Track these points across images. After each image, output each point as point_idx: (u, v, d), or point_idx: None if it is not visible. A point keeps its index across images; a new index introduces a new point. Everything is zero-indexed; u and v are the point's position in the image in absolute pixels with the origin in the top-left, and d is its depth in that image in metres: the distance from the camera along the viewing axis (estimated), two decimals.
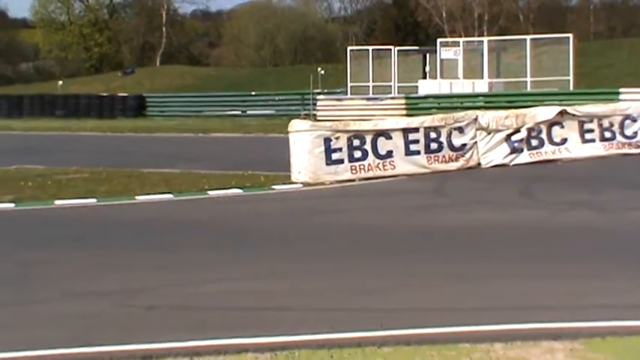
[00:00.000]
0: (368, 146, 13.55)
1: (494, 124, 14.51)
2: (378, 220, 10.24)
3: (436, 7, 58.86)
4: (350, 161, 13.44)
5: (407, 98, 29.28)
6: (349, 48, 36.80)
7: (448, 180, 13.23)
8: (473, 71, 30.43)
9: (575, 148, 14.96)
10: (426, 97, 29.65)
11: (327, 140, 13.34)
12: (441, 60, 30.48)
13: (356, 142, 13.49)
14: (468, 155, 14.31)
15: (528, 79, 29.15)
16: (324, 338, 5.41)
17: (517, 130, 14.61)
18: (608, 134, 15.19)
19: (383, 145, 13.66)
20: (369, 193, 12.64)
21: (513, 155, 14.58)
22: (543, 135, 14.79)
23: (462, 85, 29.75)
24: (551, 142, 14.84)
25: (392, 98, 29.82)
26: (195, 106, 35.89)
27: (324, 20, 70.83)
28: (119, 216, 11.07)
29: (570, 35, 29.82)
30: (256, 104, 34.63)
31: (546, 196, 11.47)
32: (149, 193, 12.27)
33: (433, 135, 14.05)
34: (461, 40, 33.68)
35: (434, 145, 14.04)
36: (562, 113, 14.99)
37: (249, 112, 33.90)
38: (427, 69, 32.59)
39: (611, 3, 61.92)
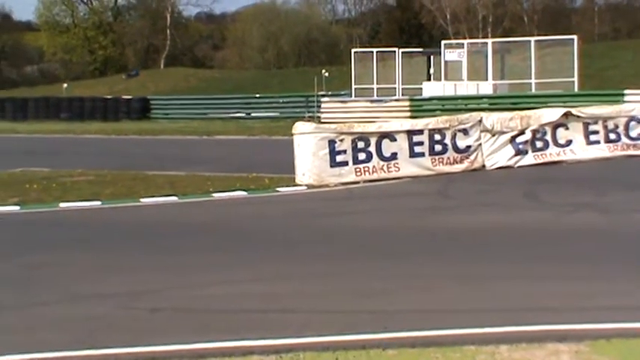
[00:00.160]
0: (372, 148, 13.54)
1: (498, 125, 14.49)
2: (382, 223, 10.24)
3: (440, 9, 58.88)
4: (354, 163, 13.43)
5: (411, 100, 29.28)
6: (353, 50, 36.80)
7: (452, 182, 13.22)
8: (477, 73, 30.44)
9: (580, 150, 14.93)
10: (431, 99, 29.66)
11: (331, 142, 13.34)
12: (445, 62, 30.49)
13: (360, 145, 13.48)
14: (472, 157, 14.29)
15: (533, 80, 29.14)
16: (329, 340, 5.40)
17: (522, 132, 14.59)
18: (613, 136, 15.16)
19: (387, 147, 13.65)
20: (373, 195, 12.63)
21: (518, 157, 14.56)
22: (548, 137, 14.77)
23: (467, 87, 29.74)
24: (556, 143, 14.81)
25: (396, 100, 29.82)
26: (200, 109, 35.92)
27: (328, 22, 70.86)
28: (124, 218, 11.08)
29: (575, 37, 29.81)
30: (260, 107, 34.64)
31: (551, 198, 11.45)
32: (154, 196, 12.28)
33: (437, 137, 14.03)
34: (465, 41, 33.69)
35: (438, 147, 14.02)
36: (567, 115, 14.97)
37: (253, 115, 33.91)
38: (431, 71, 32.61)
39: (615, 4, 61.87)
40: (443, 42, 32.25)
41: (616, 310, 5.97)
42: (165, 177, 14.51)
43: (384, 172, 13.60)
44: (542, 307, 6.11)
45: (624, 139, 15.19)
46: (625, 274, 7.09)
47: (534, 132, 14.66)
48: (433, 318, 5.91)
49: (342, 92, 34.12)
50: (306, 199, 12.43)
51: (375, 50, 34.95)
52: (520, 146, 14.57)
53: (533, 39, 31.01)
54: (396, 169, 13.68)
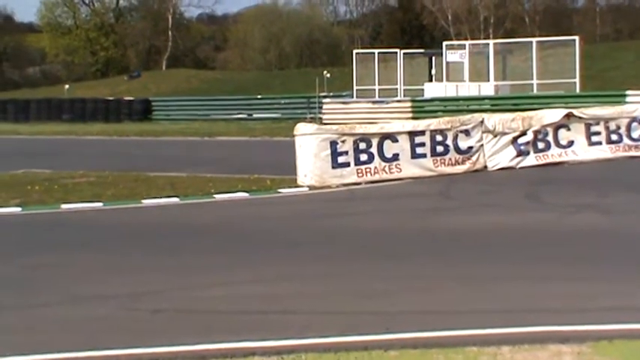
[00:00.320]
0: (374, 149, 13.53)
1: (500, 126, 14.48)
2: (383, 223, 10.23)
3: (442, 10, 58.89)
4: (356, 164, 13.43)
5: (413, 101, 29.29)
6: (355, 51, 36.84)
7: (454, 183, 13.21)
8: (479, 74, 30.44)
9: (582, 151, 14.92)
10: (432, 100, 29.66)
11: (333, 143, 13.33)
12: (447, 63, 30.49)
13: (362, 146, 13.48)
14: (474, 158, 14.28)
15: (534, 81, 29.14)
16: (331, 342, 5.40)
17: (523, 133, 14.58)
18: (614, 137, 15.14)
19: (389, 148, 13.64)
20: (375, 196, 12.62)
21: (520, 158, 14.55)
22: (550, 138, 14.76)
23: (468, 88, 29.74)
24: (558, 144, 14.80)
25: (398, 101, 29.82)
26: (201, 110, 35.93)
27: (329, 23, 70.88)
28: (125, 220, 11.09)
29: (576, 38, 29.81)
30: (262, 108, 34.66)
31: (553, 199, 11.44)
32: (155, 197, 12.28)
33: (439, 138, 14.03)
34: (467, 42, 33.70)
35: (440, 148, 14.02)
36: (568, 116, 14.96)
37: (255, 116, 33.92)
38: (433, 72, 32.61)
39: (617, 5, 61.87)
40: (444, 43, 32.26)
41: (618, 311, 5.96)
42: (166, 178, 14.51)
43: (386, 173, 13.59)
44: (544, 308, 6.10)
45: (626, 140, 15.17)
46: (627, 275, 7.07)
47: (536, 133, 14.65)
48: (435, 319, 5.90)
49: (344, 93, 34.14)
50: (307, 200, 12.42)
51: (376, 51, 34.97)
52: (522, 147, 14.56)
53: (534, 40, 31.00)
54: (398, 170, 13.67)
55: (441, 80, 30.91)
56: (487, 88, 29.49)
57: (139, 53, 69.77)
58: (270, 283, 7.13)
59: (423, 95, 30.65)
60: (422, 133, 13.97)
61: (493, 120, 14.57)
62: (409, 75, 33.13)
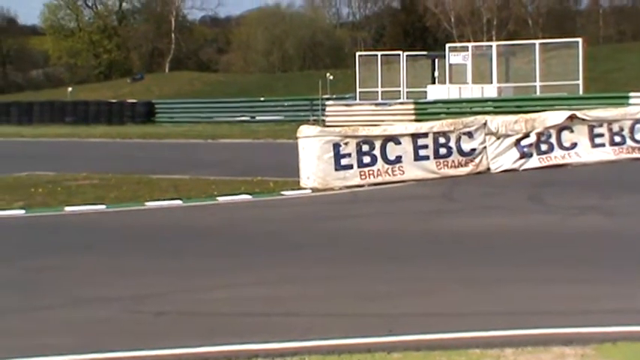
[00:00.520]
0: (377, 151, 13.53)
1: (503, 128, 14.47)
2: (386, 226, 10.23)
3: (445, 12, 58.91)
4: (359, 167, 13.43)
5: (416, 103, 29.30)
6: (358, 53, 36.87)
7: (457, 185, 13.21)
8: (482, 76, 30.42)
9: (585, 153, 14.91)
10: (435, 102, 29.67)
11: (336, 146, 13.33)
12: (450, 65, 30.48)
13: (365, 148, 13.48)
14: (477, 160, 14.28)
15: (537, 83, 29.11)
16: (334, 344, 5.39)
17: (526, 135, 14.58)
18: (618, 139, 15.13)
19: (392, 151, 13.64)
20: (378, 198, 12.62)
21: (523, 160, 14.54)
22: (553, 140, 14.75)
23: (471, 90, 29.72)
24: (561, 146, 14.79)
25: (401, 103, 29.84)
26: (204, 112, 35.98)
27: (332, 26, 70.97)
28: (128, 222, 11.09)
29: (579, 39, 29.77)
30: (265, 110, 34.69)
31: (556, 201, 11.43)
32: (158, 200, 12.29)
33: (442, 140, 14.03)
34: (470, 44, 33.67)
35: (443, 150, 14.01)
36: (571, 118, 14.95)
37: (258, 118, 33.96)
38: (436, 74, 32.58)
39: (620, 7, 61.84)
40: (447, 45, 32.26)
41: (622, 313, 5.95)
42: (169, 181, 14.52)
43: (389, 175, 13.58)
44: (547, 310, 6.09)
45: (629, 142, 15.16)
46: (630, 277, 7.07)
47: (539, 135, 14.65)
48: (438, 321, 5.89)
49: (347, 95, 34.13)
50: (310, 203, 12.42)
51: (379, 53, 34.97)
52: (525, 149, 14.55)
53: (537, 42, 30.98)
54: (401, 172, 13.67)
55: (444, 82, 30.90)
56: (490, 90, 29.47)
57: (142, 56, 69.88)
58: (272, 286, 7.13)
59: (425, 97, 30.64)
60: (425, 135, 13.97)
61: (496, 122, 14.56)
62: (412, 77, 33.14)
